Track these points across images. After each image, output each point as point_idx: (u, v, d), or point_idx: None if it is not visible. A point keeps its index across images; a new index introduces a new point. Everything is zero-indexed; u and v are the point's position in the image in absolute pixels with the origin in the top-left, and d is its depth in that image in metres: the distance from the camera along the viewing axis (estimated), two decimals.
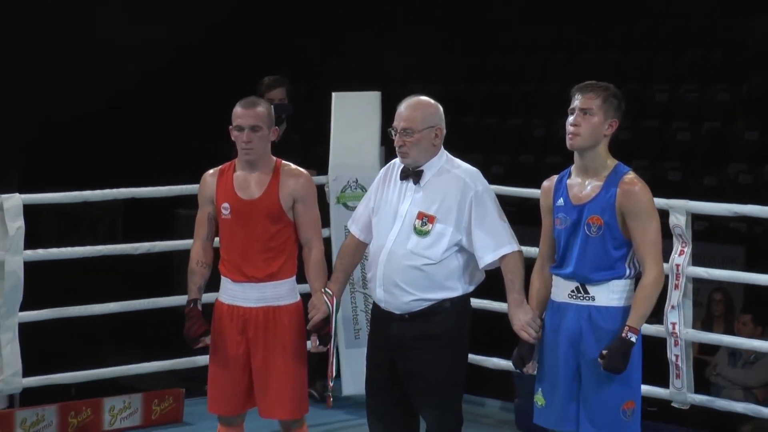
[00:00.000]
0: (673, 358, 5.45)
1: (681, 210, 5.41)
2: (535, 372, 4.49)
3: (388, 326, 4.50)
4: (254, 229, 4.69)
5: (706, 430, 6.35)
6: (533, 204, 5.47)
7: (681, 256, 5.40)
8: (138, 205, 9.78)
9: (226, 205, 4.72)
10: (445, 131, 4.50)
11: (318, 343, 4.67)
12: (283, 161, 4.79)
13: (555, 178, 4.43)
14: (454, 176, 4.47)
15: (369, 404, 4.63)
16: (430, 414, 4.53)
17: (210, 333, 4.73)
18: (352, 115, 6.38)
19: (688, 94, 12.38)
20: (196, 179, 4.98)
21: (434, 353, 4.45)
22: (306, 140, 6.69)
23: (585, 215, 4.29)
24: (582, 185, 4.33)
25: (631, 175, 4.30)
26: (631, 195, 4.25)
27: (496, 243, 4.41)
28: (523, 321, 4.40)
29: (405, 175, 4.50)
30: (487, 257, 4.42)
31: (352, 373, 6.09)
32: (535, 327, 4.40)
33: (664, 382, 5.47)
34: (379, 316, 4.55)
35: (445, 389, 4.49)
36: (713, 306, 8.34)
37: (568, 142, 4.31)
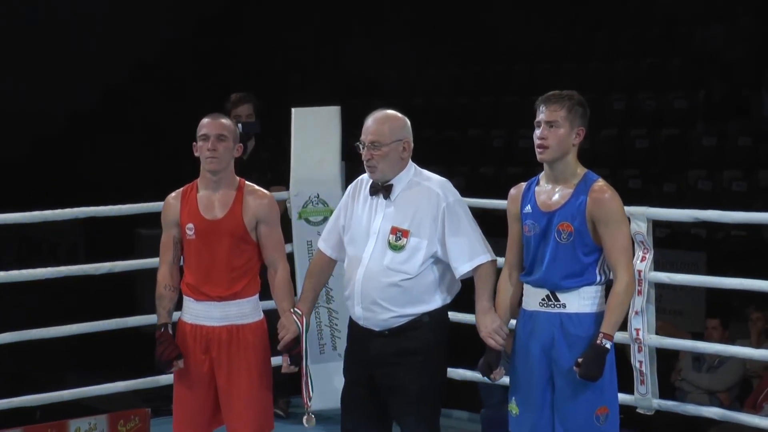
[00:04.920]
0: (638, 365, 5.47)
1: (642, 217, 5.43)
2: (502, 379, 4.51)
3: (368, 343, 4.48)
4: (218, 250, 4.68)
5: None
6: (495, 215, 5.47)
7: (643, 262, 5.42)
8: (98, 226, 9.73)
9: (190, 225, 4.71)
10: (412, 144, 4.49)
11: (289, 363, 4.66)
12: (247, 182, 4.79)
13: (523, 185, 4.46)
14: (424, 188, 4.46)
15: (344, 422, 4.59)
16: (409, 428, 4.51)
17: (182, 357, 4.71)
18: (313, 130, 6.37)
19: (646, 102, 12.45)
20: (156, 197, 4.96)
21: (414, 368, 4.43)
22: (276, 157, 6.67)
23: (555, 222, 4.31)
24: (551, 192, 4.36)
25: (600, 183, 4.33)
26: (602, 202, 4.28)
27: (470, 253, 4.41)
28: (490, 328, 4.40)
29: (374, 190, 4.48)
30: (462, 267, 4.42)
31: (318, 388, 6.06)
32: (502, 334, 4.40)
33: (628, 389, 5.48)
34: (358, 333, 4.52)
35: (424, 404, 4.48)
36: None
37: (537, 156, 4.34)
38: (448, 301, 4.52)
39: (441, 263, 4.45)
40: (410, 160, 4.50)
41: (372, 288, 4.41)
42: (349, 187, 4.62)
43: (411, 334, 4.43)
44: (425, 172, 4.53)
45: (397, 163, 4.45)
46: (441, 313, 4.50)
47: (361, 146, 4.46)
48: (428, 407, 4.49)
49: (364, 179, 4.55)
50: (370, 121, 4.46)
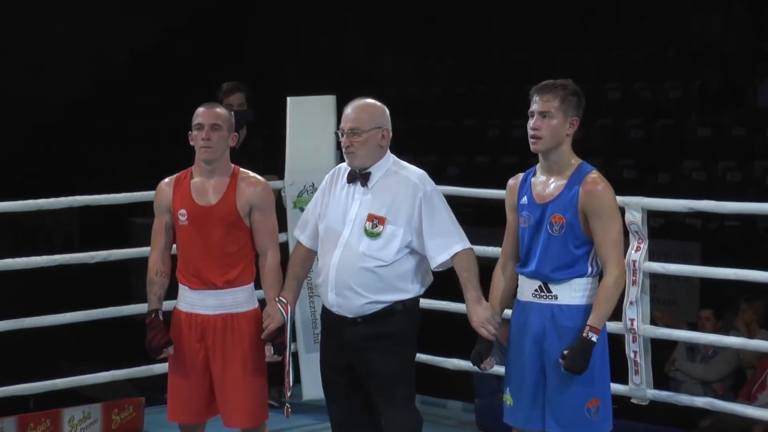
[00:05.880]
0: (632, 355, 5.48)
1: (636, 207, 5.44)
2: (493, 369, 4.51)
3: (341, 331, 4.49)
4: (211, 236, 4.67)
5: (666, 426, 6.38)
6: (490, 205, 5.47)
7: (638, 252, 5.43)
8: (93, 215, 9.71)
9: (183, 211, 4.70)
10: (391, 134, 4.52)
11: (273, 352, 4.66)
12: (241, 169, 4.78)
13: (520, 176, 4.45)
14: (402, 177, 4.48)
15: (331, 412, 4.60)
16: (389, 411, 4.50)
17: (172, 343, 4.70)
18: (308, 119, 6.37)
19: (641, 92, 12.46)
20: (151, 186, 4.96)
21: (386, 351, 4.44)
22: (269, 146, 6.67)
23: (548, 214, 4.31)
24: (546, 184, 4.35)
25: (594, 175, 4.32)
26: (594, 194, 4.27)
27: (447, 242, 4.43)
28: (482, 318, 4.40)
29: (352, 177, 4.51)
30: (439, 257, 4.43)
31: (312, 377, 6.06)
32: (494, 324, 4.41)
33: (623, 379, 5.49)
34: (331, 321, 4.54)
35: (401, 385, 4.48)
36: None
37: (531, 147, 4.34)
38: (422, 291, 4.54)
39: (416, 253, 4.47)
40: (389, 150, 4.52)
41: (346, 273, 4.42)
42: (327, 176, 4.64)
43: (384, 321, 4.44)
44: (403, 162, 4.55)
45: (376, 150, 4.47)
46: (413, 302, 4.51)
47: (340, 134, 4.49)
48: (405, 388, 4.50)
49: (342, 168, 4.58)
50: (350, 109, 4.50)
